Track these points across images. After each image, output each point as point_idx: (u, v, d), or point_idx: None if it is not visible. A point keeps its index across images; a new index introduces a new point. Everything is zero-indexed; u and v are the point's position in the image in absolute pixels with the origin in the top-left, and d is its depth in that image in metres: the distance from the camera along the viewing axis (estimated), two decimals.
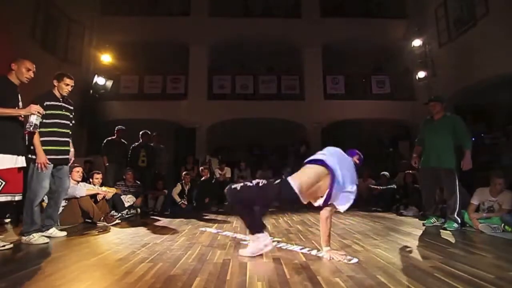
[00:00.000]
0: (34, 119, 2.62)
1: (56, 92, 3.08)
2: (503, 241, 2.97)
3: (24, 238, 2.81)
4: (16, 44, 5.98)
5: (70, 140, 3.22)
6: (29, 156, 2.89)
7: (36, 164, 2.87)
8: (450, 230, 3.45)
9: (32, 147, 2.90)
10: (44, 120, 2.85)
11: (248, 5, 10.15)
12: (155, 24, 9.08)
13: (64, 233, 3.19)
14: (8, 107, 2.57)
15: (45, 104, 2.89)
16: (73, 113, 3.23)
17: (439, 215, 3.93)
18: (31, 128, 2.64)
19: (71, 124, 3.18)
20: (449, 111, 4.03)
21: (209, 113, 8.93)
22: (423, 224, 3.85)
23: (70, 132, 3.20)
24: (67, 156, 3.15)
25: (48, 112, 2.90)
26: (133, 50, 9.14)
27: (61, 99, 3.09)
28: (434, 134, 3.83)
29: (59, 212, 3.47)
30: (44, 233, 2.97)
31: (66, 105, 3.14)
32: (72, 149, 3.26)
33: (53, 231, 3.09)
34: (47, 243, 2.80)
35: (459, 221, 3.60)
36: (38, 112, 2.63)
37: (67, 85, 3.09)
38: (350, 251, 2.41)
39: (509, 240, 2.97)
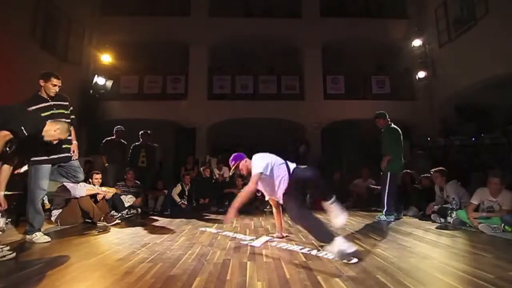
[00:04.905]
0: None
1: (42, 94, 2.93)
2: (503, 241, 2.97)
3: (27, 237, 2.90)
4: (16, 44, 5.99)
5: (72, 135, 3.10)
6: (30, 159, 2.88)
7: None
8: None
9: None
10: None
11: (248, 5, 10.13)
12: (155, 24, 9.08)
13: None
14: None
15: (29, 109, 2.65)
16: (69, 108, 3.08)
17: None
18: None
19: (68, 120, 2.95)
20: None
21: (209, 113, 8.92)
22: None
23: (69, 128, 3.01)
24: (67, 154, 3.05)
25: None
26: (133, 50, 9.15)
27: (49, 99, 2.93)
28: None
29: (59, 212, 3.46)
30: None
31: (58, 103, 2.98)
32: (75, 142, 3.15)
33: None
34: (48, 241, 2.84)
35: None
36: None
37: (55, 85, 2.93)
38: None
39: (509, 240, 2.97)
